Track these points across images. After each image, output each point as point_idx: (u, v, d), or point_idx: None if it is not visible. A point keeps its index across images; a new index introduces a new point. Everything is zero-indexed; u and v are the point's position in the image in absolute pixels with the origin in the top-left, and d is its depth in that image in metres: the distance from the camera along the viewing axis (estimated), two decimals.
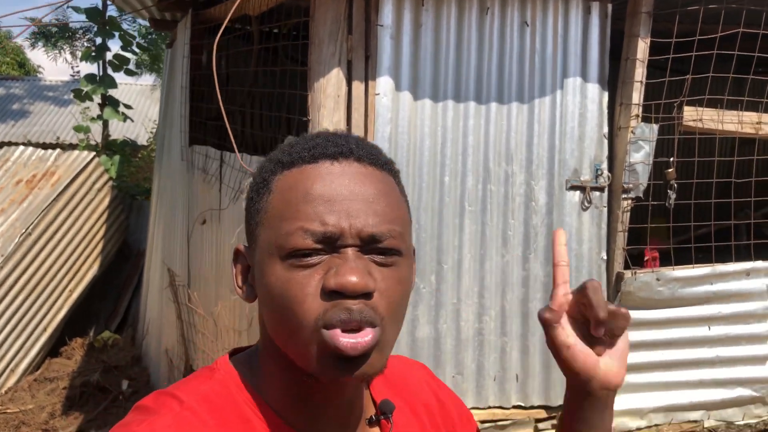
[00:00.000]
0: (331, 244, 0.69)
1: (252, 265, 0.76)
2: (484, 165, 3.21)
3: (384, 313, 0.70)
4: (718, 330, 3.40)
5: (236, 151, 2.90)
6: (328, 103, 2.91)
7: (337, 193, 0.70)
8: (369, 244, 0.70)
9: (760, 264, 3.44)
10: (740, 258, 3.45)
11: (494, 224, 3.23)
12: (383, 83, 2.98)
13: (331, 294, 0.68)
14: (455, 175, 3.17)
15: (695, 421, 3.41)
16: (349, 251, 0.69)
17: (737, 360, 3.44)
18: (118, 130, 9.96)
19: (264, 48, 4.88)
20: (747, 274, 3.41)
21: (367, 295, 0.68)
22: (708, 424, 3.42)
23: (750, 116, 3.32)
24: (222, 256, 3.86)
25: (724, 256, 3.46)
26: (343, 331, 0.67)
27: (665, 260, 3.48)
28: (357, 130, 2.96)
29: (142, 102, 13.64)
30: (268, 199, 0.73)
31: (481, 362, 3.26)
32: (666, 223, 3.55)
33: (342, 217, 0.69)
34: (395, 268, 0.72)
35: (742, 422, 3.47)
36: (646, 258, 3.63)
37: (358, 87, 2.96)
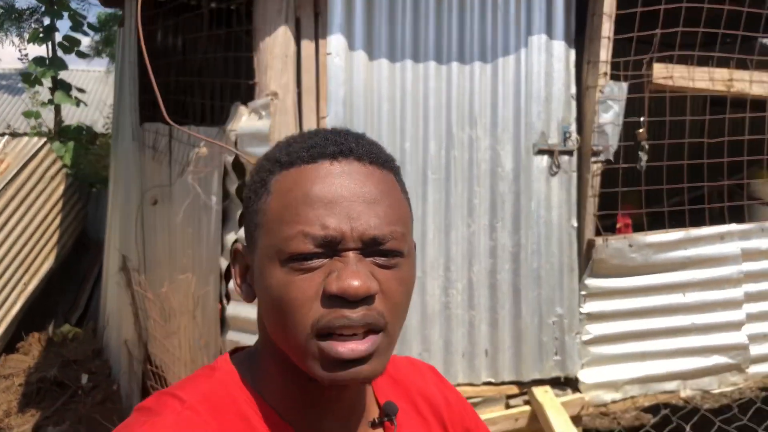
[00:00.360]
0: (332, 247, 0.68)
1: (251, 265, 0.76)
2: (446, 129, 3.03)
3: (386, 316, 0.69)
4: (693, 296, 3.28)
5: (165, 116, 2.67)
6: (276, 63, 2.69)
7: (337, 195, 0.69)
8: (370, 247, 0.69)
9: (734, 227, 3.33)
10: (714, 222, 3.33)
11: (459, 192, 3.06)
12: (335, 42, 2.77)
13: (332, 299, 0.67)
14: (416, 141, 2.99)
15: (671, 392, 3.30)
16: (351, 255, 0.68)
17: (713, 327, 3.32)
18: (73, 117, 9.57)
19: (217, 22, 4.63)
20: (721, 237, 3.30)
21: (368, 299, 0.68)
22: (684, 393, 3.31)
23: (721, 73, 3.19)
24: (174, 235, 3.64)
25: (697, 221, 3.34)
26: (343, 339, 0.68)
27: (639, 228, 3.34)
28: (308, 93, 2.75)
29: (99, 88, 13.16)
30: (266, 200, 0.72)
31: (449, 338, 3.10)
32: (639, 188, 3.41)
33: (343, 219, 0.68)
34: (397, 270, 0.71)
35: (717, 390, 3.37)
36: (618, 225, 3.49)
37: (307, 46, 2.75)
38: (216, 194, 2.93)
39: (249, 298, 0.76)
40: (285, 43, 2.72)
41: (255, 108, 2.72)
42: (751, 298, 3.37)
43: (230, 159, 2.78)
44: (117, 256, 5.07)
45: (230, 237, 2.87)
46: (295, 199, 0.69)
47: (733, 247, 3.31)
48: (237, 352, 0.81)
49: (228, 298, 2.87)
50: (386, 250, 0.70)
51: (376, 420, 0.81)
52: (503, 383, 3.17)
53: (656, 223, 3.32)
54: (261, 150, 2.69)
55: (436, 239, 3.05)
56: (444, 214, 3.05)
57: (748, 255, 3.34)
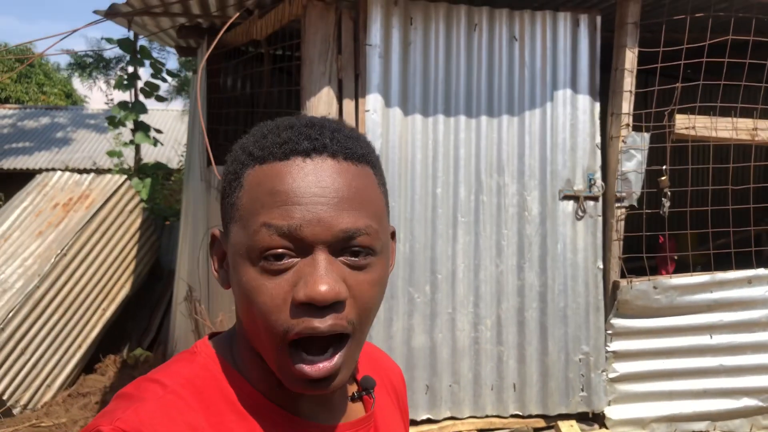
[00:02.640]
0: (299, 242, 0.66)
1: (227, 253, 0.74)
2: (476, 176, 3.28)
3: (355, 321, 0.68)
4: (720, 339, 3.36)
5: (213, 162, 3.03)
6: None
7: (305, 191, 0.66)
8: (342, 243, 0.67)
9: (762, 271, 3.40)
10: (742, 265, 3.41)
11: (487, 234, 3.29)
12: (373, 100, 3.09)
13: (301, 306, 0.65)
14: (447, 187, 3.25)
15: None
16: (320, 255, 0.66)
17: (743, 369, 3.38)
18: (151, 155, 10.35)
19: (280, 69, 5.08)
20: (749, 281, 3.37)
21: (337, 306, 0.66)
22: None
23: (745, 123, 3.31)
24: None
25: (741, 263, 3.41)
26: (309, 354, 0.67)
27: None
28: None
29: (175, 126, 14.06)
30: (239, 194, 0.70)
31: (478, 371, 3.30)
32: (665, 233, 3.55)
33: (309, 213, 0.65)
34: (369, 270, 0.69)
35: None
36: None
37: (348, 104, 3.08)
38: None
39: (225, 284, 0.75)
40: (328, 102, 3.06)
41: None
42: None
43: None
44: (184, 286, 5.52)
45: None
46: (262, 193, 0.67)
47: (761, 291, 3.37)
48: (215, 335, 0.81)
49: None
50: (358, 249, 0.67)
51: (356, 394, 0.82)
52: (530, 416, 3.33)
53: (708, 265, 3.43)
54: None
55: (466, 277, 3.28)
56: (473, 254, 3.28)
57: None
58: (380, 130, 3.12)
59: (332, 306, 0.65)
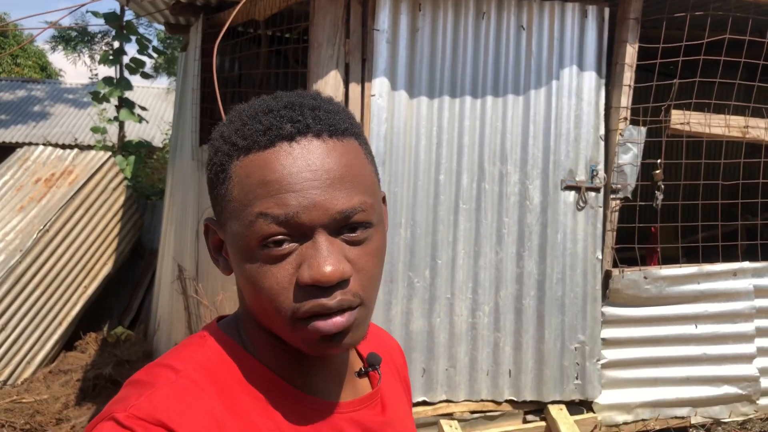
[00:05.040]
0: (297, 228, 0.67)
1: (224, 240, 0.75)
2: (479, 164, 3.33)
3: (362, 293, 0.70)
4: (705, 328, 3.49)
5: None
6: None
7: (296, 175, 0.67)
8: (339, 222, 0.68)
9: (746, 264, 3.53)
10: (728, 258, 3.53)
11: (488, 222, 3.35)
12: (379, 85, 3.11)
13: (307, 288, 0.67)
14: (450, 174, 3.30)
15: (682, 417, 3.50)
16: (320, 237, 0.67)
17: (724, 358, 3.52)
18: (134, 132, 10.20)
19: (275, 51, 5.05)
20: (734, 274, 3.50)
21: (343, 283, 0.68)
22: (695, 420, 3.50)
23: (737, 120, 3.42)
24: None
25: (720, 256, 3.54)
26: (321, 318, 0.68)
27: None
28: None
29: (158, 104, 13.90)
30: (228, 186, 0.70)
31: (474, 356, 3.37)
32: (654, 225, 3.65)
33: (304, 197, 0.66)
34: (368, 243, 0.70)
35: (728, 419, 3.54)
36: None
37: (354, 88, 3.09)
38: None
39: (227, 271, 0.76)
40: (335, 86, 3.07)
41: None
42: (762, 332, 3.55)
43: None
44: (172, 265, 5.50)
45: None
46: (254, 184, 0.67)
47: (745, 283, 3.50)
48: (221, 319, 0.82)
49: None
50: (355, 224, 0.69)
51: (362, 370, 0.84)
52: (524, 402, 3.41)
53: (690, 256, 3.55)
54: None
55: (466, 264, 3.34)
56: (474, 241, 3.34)
57: (761, 292, 3.53)
58: (386, 114, 3.15)
59: (337, 284, 0.67)
